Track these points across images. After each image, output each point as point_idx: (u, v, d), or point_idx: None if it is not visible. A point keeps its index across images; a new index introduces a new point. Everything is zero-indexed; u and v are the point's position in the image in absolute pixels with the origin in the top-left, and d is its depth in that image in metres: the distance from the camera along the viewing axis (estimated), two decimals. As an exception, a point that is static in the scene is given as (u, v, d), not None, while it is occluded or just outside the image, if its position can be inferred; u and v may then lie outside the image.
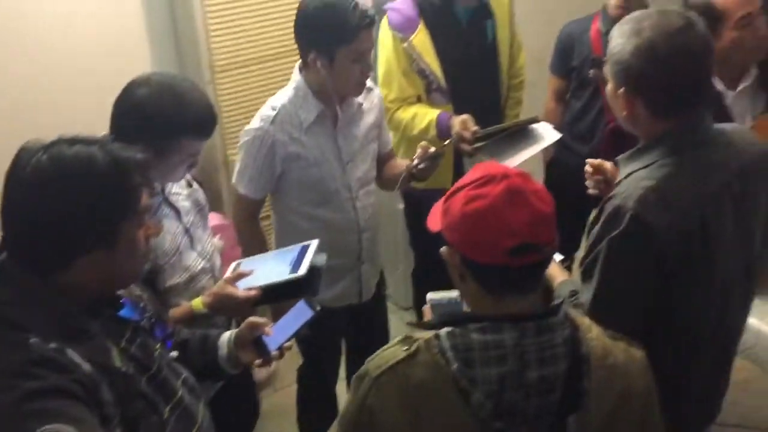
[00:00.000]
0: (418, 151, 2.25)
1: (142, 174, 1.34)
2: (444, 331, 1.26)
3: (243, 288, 1.85)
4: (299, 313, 1.75)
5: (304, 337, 2.46)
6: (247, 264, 1.97)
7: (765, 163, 1.64)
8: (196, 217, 2.03)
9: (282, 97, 2.23)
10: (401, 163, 2.45)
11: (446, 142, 2.33)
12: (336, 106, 2.23)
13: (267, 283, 1.86)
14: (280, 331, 1.71)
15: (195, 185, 2.08)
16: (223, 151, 2.97)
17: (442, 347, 1.23)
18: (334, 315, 2.37)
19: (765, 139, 2.15)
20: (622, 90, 1.55)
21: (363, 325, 2.52)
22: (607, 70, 1.60)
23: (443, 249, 1.30)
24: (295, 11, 2.86)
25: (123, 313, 1.39)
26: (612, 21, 2.82)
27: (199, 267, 1.99)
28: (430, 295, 1.74)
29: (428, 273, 2.76)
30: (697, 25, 1.51)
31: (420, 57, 2.60)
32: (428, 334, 1.27)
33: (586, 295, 1.59)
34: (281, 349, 1.69)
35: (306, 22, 2.13)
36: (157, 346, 1.44)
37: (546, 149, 3.16)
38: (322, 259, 1.96)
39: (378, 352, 1.30)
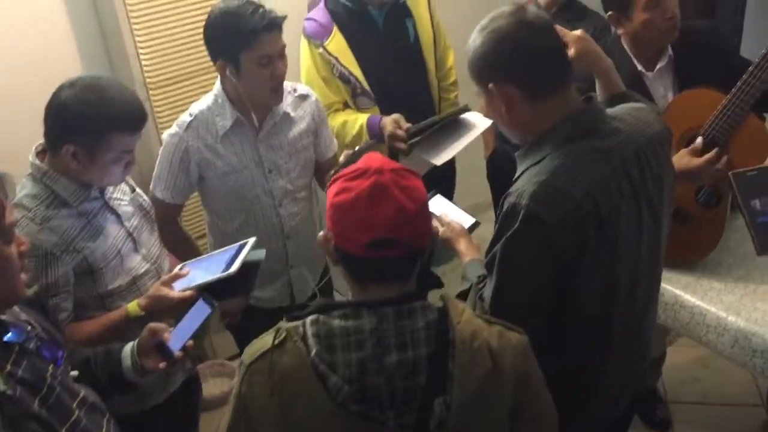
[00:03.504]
0: (341, 158, 2.27)
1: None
2: (309, 318, 1.31)
3: (179, 289, 1.88)
4: (198, 312, 1.78)
5: (242, 337, 2.51)
6: (189, 266, 2.00)
7: (658, 145, 1.66)
8: (141, 221, 2.07)
9: (201, 103, 2.27)
10: None
11: (369, 142, 2.34)
12: (252, 114, 2.24)
13: (200, 283, 1.88)
14: (182, 332, 1.73)
15: (138, 190, 2.13)
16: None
17: (305, 334, 1.29)
18: (270, 316, 2.39)
19: (679, 114, 2.17)
20: (491, 86, 1.56)
21: None
22: (474, 84, 1.61)
23: (321, 232, 1.35)
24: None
25: (8, 337, 1.39)
26: (543, 7, 2.83)
27: (143, 270, 2.02)
28: None
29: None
30: (528, 8, 1.57)
31: (337, 61, 2.61)
32: (298, 322, 1.32)
33: (487, 291, 1.60)
34: (184, 349, 1.71)
35: (210, 32, 2.16)
36: (49, 367, 1.44)
37: (486, 144, 3.19)
38: (259, 255, 2.01)
39: (253, 341, 1.35)
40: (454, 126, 2.46)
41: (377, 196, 1.25)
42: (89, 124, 1.79)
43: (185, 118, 2.25)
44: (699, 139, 2.14)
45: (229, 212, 2.35)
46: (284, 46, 2.18)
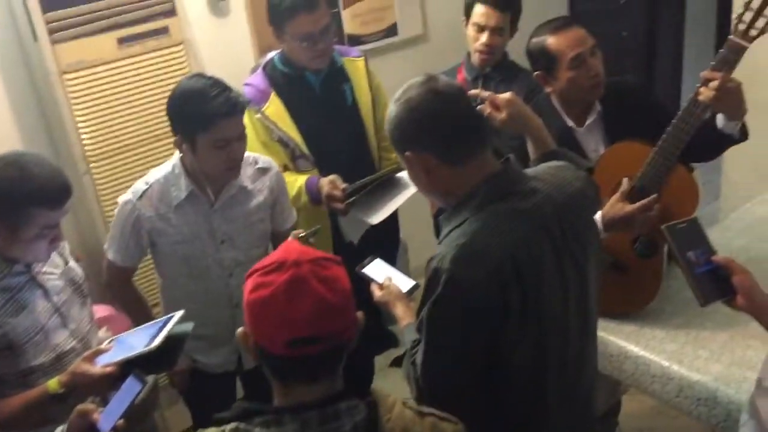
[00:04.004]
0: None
1: None
2: (229, 427, 1.22)
3: (102, 364, 1.82)
4: (128, 389, 1.70)
5: (194, 403, 2.57)
6: (115, 340, 1.95)
7: (579, 201, 1.69)
8: (72, 296, 2.03)
9: (159, 172, 2.29)
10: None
11: (314, 229, 2.32)
12: (208, 188, 2.26)
13: (122, 358, 1.83)
14: (112, 412, 1.66)
15: (72, 263, 2.09)
16: (105, 236, 2.94)
17: None
18: (219, 380, 2.46)
19: (610, 167, 2.21)
20: (408, 154, 1.59)
21: (253, 387, 2.53)
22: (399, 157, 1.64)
23: (240, 329, 1.28)
24: (159, 95, 2.93)
25: None
26: (476, 68, 2.89)
27: (69, 346, 1.97)
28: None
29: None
30: (439, 77, 1.62)
31: (276, 126, 2.62)
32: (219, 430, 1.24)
33: (419, 356, 1.60)
34: (115, 430, 1.63)
35: (170, 107, 2.18)
36: None
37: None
38: (186, 328, 1.96)
39: None
40: (390, 184, 2.48)
41: (295, 290, 1.18)
42: (8, 199, 1.78)
43: (140, 186, 2.27)
44: (625, 180, 2.17)
45: (179, 279, 2.36)
46: (244, 129, 2.19)
